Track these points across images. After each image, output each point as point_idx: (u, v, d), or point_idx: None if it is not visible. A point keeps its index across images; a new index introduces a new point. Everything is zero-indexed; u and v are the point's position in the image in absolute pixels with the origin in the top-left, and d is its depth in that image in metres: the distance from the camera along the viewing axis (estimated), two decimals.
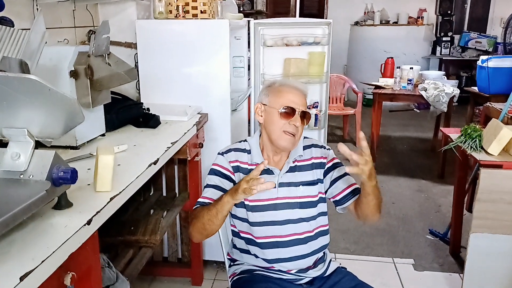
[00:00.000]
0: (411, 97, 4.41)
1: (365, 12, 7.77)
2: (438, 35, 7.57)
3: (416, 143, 5.50)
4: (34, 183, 1.11)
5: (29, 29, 1.92)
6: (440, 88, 4.07)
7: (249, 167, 1.60)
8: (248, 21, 2.91)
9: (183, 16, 2.39)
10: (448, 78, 5.71)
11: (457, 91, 4.16)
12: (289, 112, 1.53)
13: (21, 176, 1.12)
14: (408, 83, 4.33)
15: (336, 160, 1.65)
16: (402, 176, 4.35)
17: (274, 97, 1.57)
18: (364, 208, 1.55)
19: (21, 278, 0.90)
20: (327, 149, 1.69)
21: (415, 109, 7.22)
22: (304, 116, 1.55)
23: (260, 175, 1.54)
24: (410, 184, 4.16)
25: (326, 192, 1.64)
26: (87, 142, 1.78)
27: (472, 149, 2.31)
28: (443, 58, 7.55)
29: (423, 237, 3.16)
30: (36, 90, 1.03)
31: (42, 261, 0.96)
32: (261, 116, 1.60)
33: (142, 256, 1.84)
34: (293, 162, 1.62)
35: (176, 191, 2.44)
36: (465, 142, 2.36)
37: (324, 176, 1.63)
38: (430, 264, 2.80)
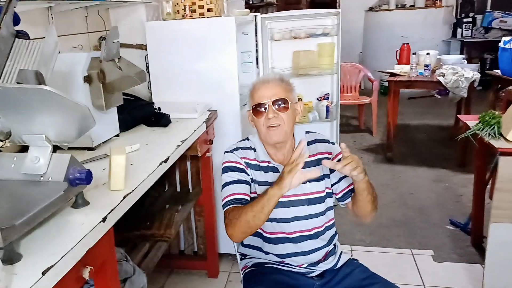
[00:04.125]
0: (429, 84, 4.32)
1: None
2: (458, 17, 7.39)
3: (436, 131, 5.44)
4: (53, 184, 1.23)
5: (44, 37, 2.06)
6: (459, 73, 3.97)
7: (259, 164, 1.64)
8: (255, 16, 2.99)
9: (190, 16, 2.49)
10: (470, 62, 5.55)
11: (477, 76, 4.06)
12: (259, 109, 1.58)
13: (41, 178, 1.24)
14: (425, 69, 4.25)
15: (341, 156, 1.62)
16: (421, 165, 4.32)
17: (251, 100, 1.64)
18: (361, 206, 1.60)
19: (43, 273, 1.00)
20: (332, 143, 1.72)
21: (436, 95, 7.15)
22: (279, 104, 1.57)
23: (267, 172, 1.62)
24: (428, 173, 4.14)
25: (332, 186, 1.68)
26: (103, 143, 1.90)
27: (490, 136, 2.24)
28: (465, 40, 7.37)
29: (442, 227, 3.13)
30: (50, 99, 1.14)
31: (62, 257, 1.06)
32: (252, 121, 1.66)
33: (157, 249, 1.97)
34: None
35: (190, 186, 2.56)
36: (482, 130, 2.30)
37: (331, 172, 1.65)
38: (450, 255, 2.80)
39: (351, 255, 1.79)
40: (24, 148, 1.32)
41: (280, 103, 1.57)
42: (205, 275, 2.69)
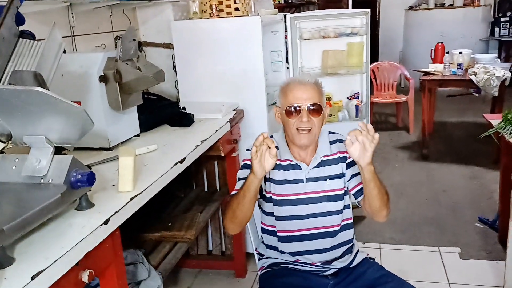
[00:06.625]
0: (461, 83, 4.12)
1: None
2: (496, 16, 7.00)
3: (473, 129, 5.06)
4: (53, 187, 1.11)
5: (68, 36, 1.96)
6: (491, 72, 3.77)
7: (278, 162, 1.52)
8: (285, 15, 2.81)
9: (216, 15, 2.35)
10: (508, 60, 5.26)
11: (508, 74, 3.83)
12: (294, 111, 1.48)
13: (42, 180, 1.13)
14: (458, 68, 4.05)
15: None
16: (456, 163, 4.09)
17: (283, 98, 1.54)
18: (368, 200, 1.48)
19: (33, 277, 0.91)
20: None
21: (473, 93, 6.70)
22: (314, 109, 1.48)
23: (287, 170, 1.56)
24: (463, 171, 3.91)
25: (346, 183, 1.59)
26: (121, 143, 1.78)
27: (511, 135, 2.18)
28: (502, 39, 6.95)
29: (472, 225, 2.95)
30: (44, 100, 1.02)
31: (55, 260, 0.97)
32: (279, 118, 1.58)
33: (177, 251, 1.83)
34: (320, 158, 1.56)
35: (217, 186, 2.42)
36: (505, 128, 2.24)
37: (346, 169, 1.58)
38: (478, 253, 2.65)
39: (368, 254, 1.67)
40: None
41: (315, 107, 1.49)
42: (233, 275, 2.53)
